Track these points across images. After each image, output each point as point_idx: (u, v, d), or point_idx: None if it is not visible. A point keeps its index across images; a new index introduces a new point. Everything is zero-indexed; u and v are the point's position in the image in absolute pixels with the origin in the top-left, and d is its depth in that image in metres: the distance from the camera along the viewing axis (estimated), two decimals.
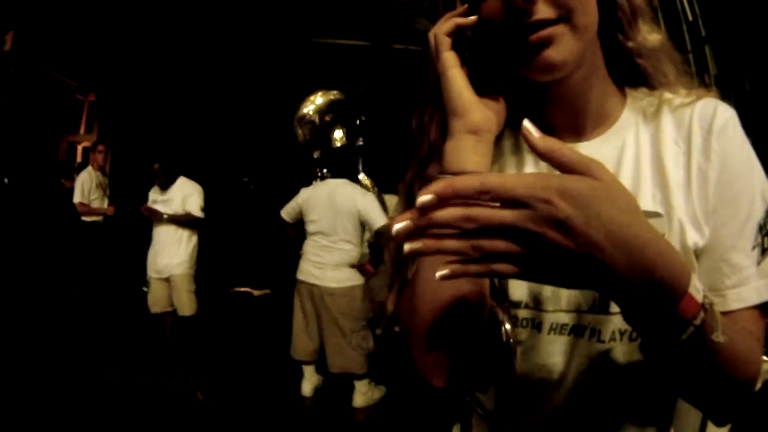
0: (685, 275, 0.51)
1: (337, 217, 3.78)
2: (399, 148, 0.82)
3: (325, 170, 5.31)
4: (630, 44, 0.73)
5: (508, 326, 0.68)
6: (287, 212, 4.09)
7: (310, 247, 3.92)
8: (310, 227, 3.92)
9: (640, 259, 0.48)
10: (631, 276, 0.48)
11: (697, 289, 0.52)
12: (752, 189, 0.67)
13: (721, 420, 0.67)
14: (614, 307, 0.68)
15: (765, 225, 0.67)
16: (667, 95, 0.74)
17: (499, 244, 0.47)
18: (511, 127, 0.74)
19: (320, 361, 3.98)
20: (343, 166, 4.15)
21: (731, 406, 0.64)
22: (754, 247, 0.66)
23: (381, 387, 3.95)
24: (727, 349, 0.56)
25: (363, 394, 3.85)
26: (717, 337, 0.53)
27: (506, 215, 0.47)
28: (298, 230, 4.15)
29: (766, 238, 0.66)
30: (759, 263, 0.66)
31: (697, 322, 0.52)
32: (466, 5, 0.69)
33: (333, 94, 5.55)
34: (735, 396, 0.62)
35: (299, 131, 5.45)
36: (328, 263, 3.81)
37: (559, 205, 0.46)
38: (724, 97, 0.74)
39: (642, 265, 0.48)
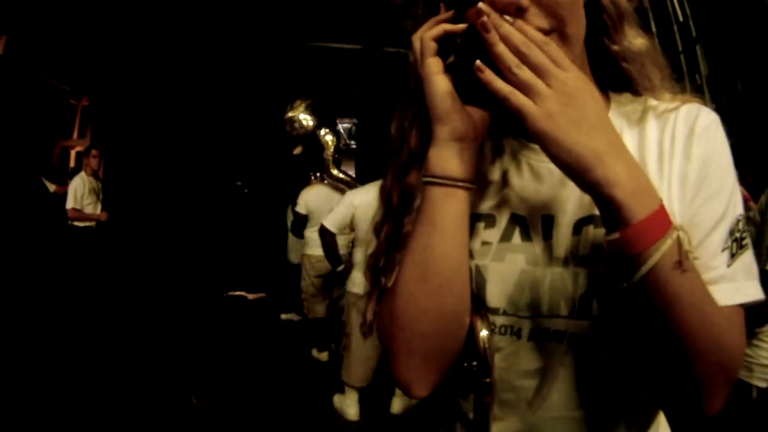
0: (657, 195, 0.57)
1: None
2: (391, 150, 0.81)
3: (318, 173, 5.37)
4: (615, 48, 0.73)
5: (484, 333, 0.68)
6: (334, 222, 3.77)
7: None
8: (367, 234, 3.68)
9: (628, 158, 0.57)
10: (616, 163, 0.55)
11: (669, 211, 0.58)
12: (727, 192, 0.68)
13: (691, 417, 0.66)
14: (594, 312, 0.68)
15: (735, 231, 0.66)
16: (652, 102, 0.74)
17: (534, 78, 0.56)
18: (493, 135, 0.74)
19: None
20: (375, 169, 3.84)
21: (703, 399, 0.62)
22: (724, 250, 0.66)
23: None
24: (697, 300, 0.58)
25: (402, 398, 3.73)
26: (689, 255, 0.56)
27: (553, 66, 0.56)
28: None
29: (735, 244, 0.66)
30: (728, 266, 0.66)
31: (674, 236, 0.56)
32: (452, 11, 0.68)
33: (306, 101, 5.70)
34: (711, 384, 0.61)
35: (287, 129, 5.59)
36: None
37: (589, 89, 0.57)
38: (716, 97, 0.74)
39: (629, 160, 0.57)
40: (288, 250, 5.90)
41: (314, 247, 4.82)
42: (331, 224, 3.78)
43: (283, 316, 5.73)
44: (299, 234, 5.05)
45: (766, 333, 2.35)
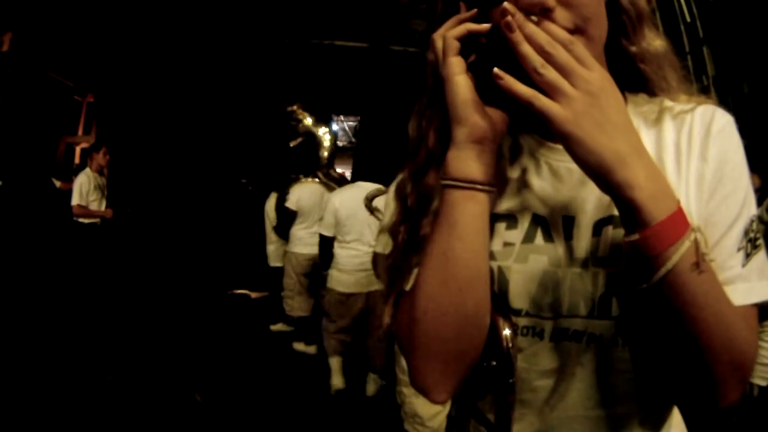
0: (675, 197, 0.58)
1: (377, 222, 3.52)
2: (397, 149, 0.81)
3: (311, 171, 5.44)
4: (633, 49, 0.73)
5: (507, 333, 0.67)
6: (328, 228, 3.82)
7: (350, 257, 3.71)
8: (348, 235, 3.70)
9: (648, 161, 0.57)
10: (637, 166, 0.55)
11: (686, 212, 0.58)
12: (742, 193, 0.68)
13: (706, 415, 0.67)
14: (613, 312, 0.68)
15: (749, 231, 0.67)
16: (668, 103, 0.74)
17: (559, 78, 0.56)
18: (510, 133, 0.74)
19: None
20: (371, 169, 3.80)
21: (719, 395, 0.62)
22: (739, 249, 0.66)
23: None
24: (713, 301, 0.58)
25: (375, 382, 3.91)
26: (705, 257, 0.56)
27: (578, 66, 0.56)
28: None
29: (749, 244, 0.67)
30: (743, 266, 0.66)
31: (692, 238, 0.56)
32: (475, 10, 0.67)
33: (301, 103, 5.87)
34: (725, 382, 0.61)
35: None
36: None
37: (613, 90, 0.57)
38: (723, 99, 0.74)
39: (649, 163, 0.57)
40: (268, 257, 5.64)
41: (300, 246, 4.84)
42: (326, 231, 3.84)
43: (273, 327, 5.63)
44: (284, 230, 5.01)
45: (766, 332, 2.35)
